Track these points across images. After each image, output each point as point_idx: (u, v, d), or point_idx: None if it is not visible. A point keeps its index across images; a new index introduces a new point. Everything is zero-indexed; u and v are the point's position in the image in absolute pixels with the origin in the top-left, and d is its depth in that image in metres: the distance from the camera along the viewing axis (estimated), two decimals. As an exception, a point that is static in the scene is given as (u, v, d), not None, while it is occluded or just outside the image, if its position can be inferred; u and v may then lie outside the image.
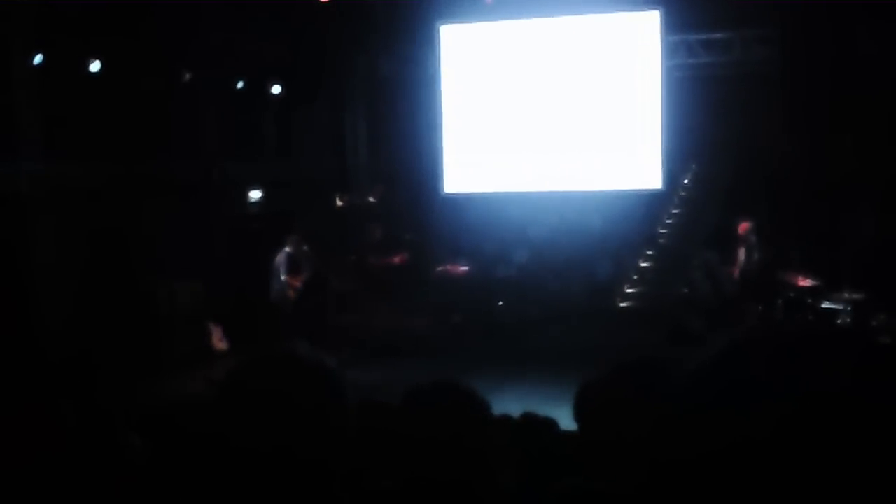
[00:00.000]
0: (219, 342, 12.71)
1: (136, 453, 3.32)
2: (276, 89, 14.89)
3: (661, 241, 14.91)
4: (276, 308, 12.42)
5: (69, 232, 11.41)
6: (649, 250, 14.80)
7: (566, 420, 2.77)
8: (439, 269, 14.47)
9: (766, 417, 0.98)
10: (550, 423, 4.22)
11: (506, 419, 4.13)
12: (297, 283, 12.54)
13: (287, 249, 12.50)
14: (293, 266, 12.56)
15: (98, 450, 3.16)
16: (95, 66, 11.93)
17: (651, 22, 14.22)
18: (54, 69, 11.35)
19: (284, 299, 12.48)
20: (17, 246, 10.83)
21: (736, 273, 12.19)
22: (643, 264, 14.70)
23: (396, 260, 14.36)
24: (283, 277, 12.43)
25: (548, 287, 14.07)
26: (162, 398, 9.11)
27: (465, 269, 14.42)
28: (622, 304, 14.11)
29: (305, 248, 12.80)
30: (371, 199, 16.04)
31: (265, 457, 1.60)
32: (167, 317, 12.25)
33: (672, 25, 14.08)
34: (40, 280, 10.97)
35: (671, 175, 14.60)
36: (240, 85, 14.33)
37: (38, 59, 11.16)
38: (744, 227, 12.15)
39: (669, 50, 14.23)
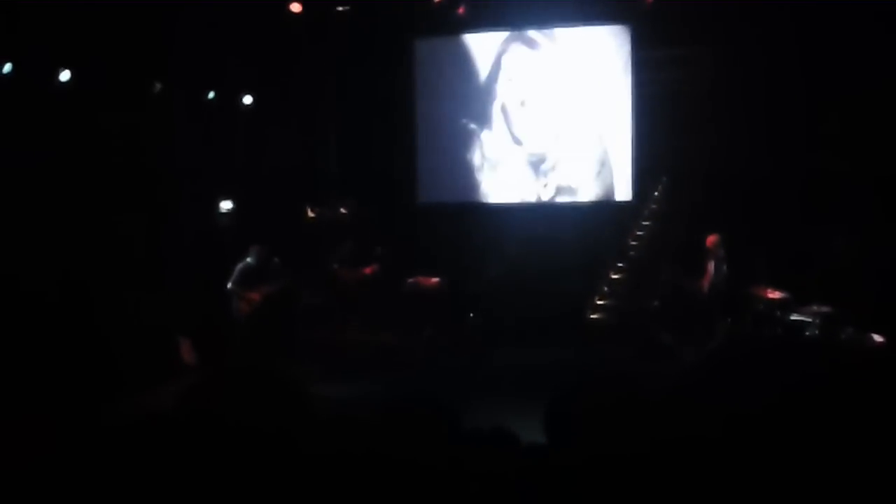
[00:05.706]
0: (187, 355, 12.56)
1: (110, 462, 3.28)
2: (247, 100, 14.83)
3: (631, 253, 14.97)
4: (238, 322, 12.32)
5: (36, 241, 11.27)
6: (620, 263, 14.85)
7: (537, 434, 2.77)
8: (410, 280, 14.42)
9: (740, 418, 0.99)
10: (518, 438, 4.20)
11: (476, 432, 4.11)
12: (256, 297, 12.37)
13: (248, 260, 12.39)
14: (253, 277, 12.39)
15: (76, 458, 3.12)
16: (65, 76, 11.82)
17: (621, 36, 14.36)
18: (23, 80, 11.23)
19: (237, 312, 12.32)
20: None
21: (705, 286, 12.26)
22: (614, 277, 14.76)
23: (366, 271, 14.28)
24: (229, 285, 12.27)
25: (519, 299, 14.06)
26: (130, 410, 9.01)
27: (435, 280, 14.39)
28: (593, 317, 14.14)
29: (276, 259, 12.70)
30: (342, 211, 15.97)
31: (235, 467, 1.58)
32: (135, 329, 12.10)
33: (642, 40, 14.22)
34: (8, 290, 10.82)
35: (642, 188, 14.70)
36: (210, 96, 14.24)
37: (7, 68, 11.05)
38: (711, 239, 12.24)
39: (640, 64, 14.35)
